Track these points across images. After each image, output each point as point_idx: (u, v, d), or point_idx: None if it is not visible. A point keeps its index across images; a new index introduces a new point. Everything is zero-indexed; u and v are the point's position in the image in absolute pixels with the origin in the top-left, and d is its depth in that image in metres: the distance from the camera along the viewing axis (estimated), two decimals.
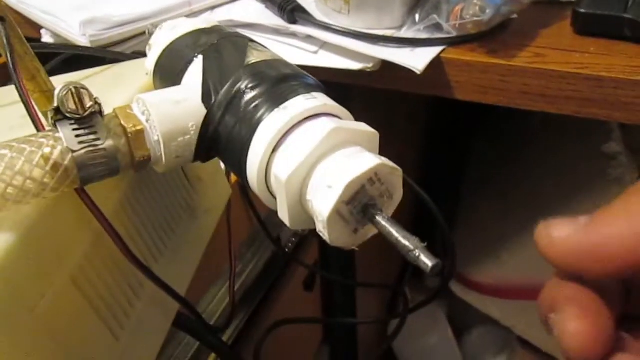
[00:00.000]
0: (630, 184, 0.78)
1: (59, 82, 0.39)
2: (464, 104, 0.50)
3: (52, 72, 0.43)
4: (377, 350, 0.94)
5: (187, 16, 0.55)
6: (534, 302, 0.21)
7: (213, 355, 0.46)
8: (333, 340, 0.75)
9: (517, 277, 0.86)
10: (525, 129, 0.88)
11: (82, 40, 0.51)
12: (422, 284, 1.02)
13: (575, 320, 0.19)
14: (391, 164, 0.22)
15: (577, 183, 0.79)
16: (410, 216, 0.88)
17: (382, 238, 0.21)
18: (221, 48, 0.27)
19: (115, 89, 0.34)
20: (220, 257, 0.43)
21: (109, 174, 0.24)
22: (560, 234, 0.19)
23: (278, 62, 0.26)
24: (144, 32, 0.53)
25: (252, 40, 0.29)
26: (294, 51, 0.51)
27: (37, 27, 0.58)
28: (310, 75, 0.26)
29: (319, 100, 0.23)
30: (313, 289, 0.70)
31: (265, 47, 0.28)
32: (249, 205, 0.49)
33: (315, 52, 0.50)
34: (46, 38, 0.58)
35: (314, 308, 0.73)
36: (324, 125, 0.22)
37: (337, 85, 0.52)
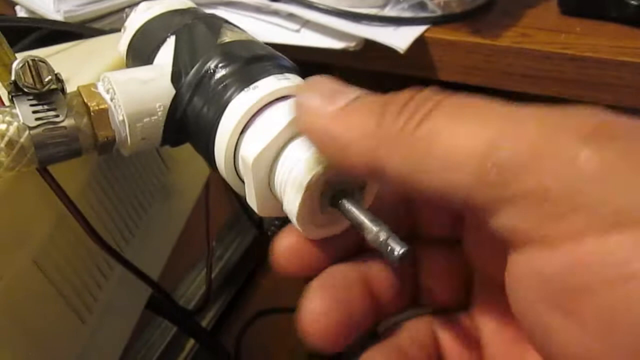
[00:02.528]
0: None
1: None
2: (451, 87, 0.49)
3: (28, 48, 0.42)
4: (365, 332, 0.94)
5: None
6: None
7: (192, 340, 0.45)
8: None
9: None
10: None
11: (57, 17, 0.49)
12: None
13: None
14: None
15: None
16: None
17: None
18: (194, 28, 0.26)
19: (86, 64, 0.33)
20: (201, 240, 0.42)
21: (70, 155, 0.23)
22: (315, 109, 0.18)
23: (252, 43, 0.25)
24: (121, 9, 0.52)
25: (227, 22, 0.27)
26: (276, 29, 0.50)
27: (12, 4, 0.56)
28: (286, 57, 0.25)
29: (291, 80, 0.22)
30: None
31: (241, 29, 0.27)
32: (230, 187, 0.48)
33: (297, 31, 0.49)
34: (21, 14, 0.57)
35: (300, 291, 0.73)
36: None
37: (319, 66, 0.51)
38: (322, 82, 0.19)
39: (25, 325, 0.25)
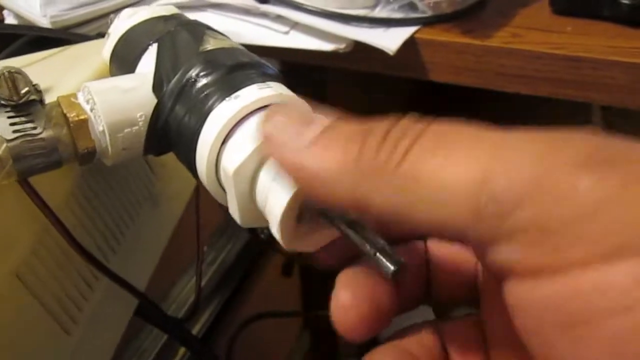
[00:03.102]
0: None
1: (14, 63, 0.37)
2: (444, 88, 0.48)
3: (16, 54, 0.41)
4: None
5: None
6: None
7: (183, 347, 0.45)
8: (313, 328, 0.75)
9: None
10: (506, 112, 0.87)
11: (43, 22, 0.49)
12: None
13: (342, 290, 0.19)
14: None
15: None
16: None
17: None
18: (177, 35, 0.26)
19: (71, 70, 0.33)
20: (193, 244, 0.42)
21: (50, 167, 0.22)
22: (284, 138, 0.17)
23: (236, 50, 0.25)
24: (108, 13, 0.52)
25: (210, 28, 0.27)
26: (265, 31, 0.49)
27: (0, 8, 0.56)
28: (270, 65, 0.24)
29: (273, 89, 0.22)
30: (292, 274, 0.69)
31: (225, 36, 0.27)
32: None
33: (286, 33, 0.49)
34: (9, 19, 0.56)
35: (294, 294, 0.72)
36: None
37: (309, 68, 0.51)
38: (290, 109, 0.18)
39: (7, 338, 0.24)
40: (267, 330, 0.59)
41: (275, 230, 0.19)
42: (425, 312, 0.24)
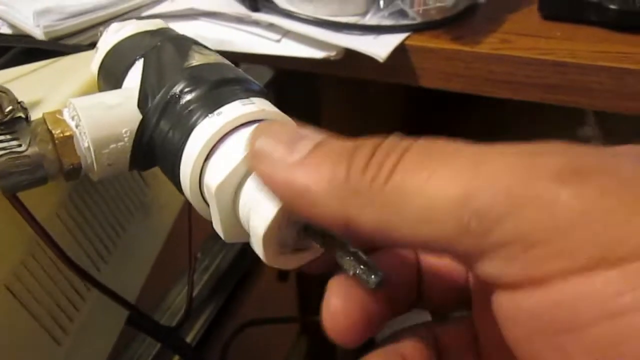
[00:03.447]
0: None
1: (4, 76, 0.37)
2: (438, 93, 0.49)
3: (9, 64, 0.42)
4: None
5: (146, 5, 0.54)
6: None
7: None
8: (310, 333, 0.75)
9: None
10: (500, 116, 0.87)
11: (37, 32, 0.49)
12: None
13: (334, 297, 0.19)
14: None
15: None
16: None
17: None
18: (162, 50, 0.26)
19: (61, 83, 0.33)
20: (186, 252, 0.42)
21: (35, 183, 0.23)
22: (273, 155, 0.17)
23: (220, 66, 0.25)
24: (102, 22, 0.52)
25: (196, 43, 0.27)
26: (257, 40, 0.50)
27: None
28: (255, 81, 0.25)
29: (256, 105, 0.22)
30: (288, 279, 0.69)
31: (211, 50, 0.27)
32: None
33: (278, 41, 0.49)
34: (3, 29, 0.57)
35: (290, 299, 0.73)
36: None
37: (301, 75, 0.51)
38: (278, 127, 0.18)
39: None
40: (263, 336, 0.59)
41: (257, 248, 0.19)
42: (422, 313, 0.24)
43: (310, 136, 0.17)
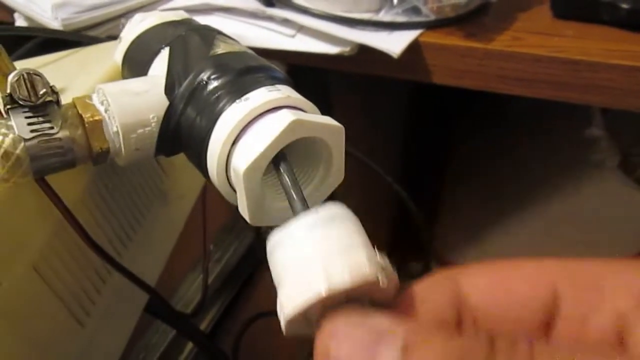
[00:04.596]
0: (610, 168, 0.78)
1: (29, 64, 0.38)
2: (447, 89, 0.49)
3: (28, 55, 0.42)
4: None
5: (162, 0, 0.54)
6: None
7: (191, 342, 0.46)
8: None
9: None
10: (508, 114, 0.88)
11: (55, 24, 0.50)
12: (407, 269, 1.02)
13: None
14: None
15: (559, 168, 0.79)
16: (394, 206, 0.88)
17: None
18: (188, 39, 0.27)
19: (83, 72, 0.34)
20: (200, 242, 0.43)
21: (65, 166, 0.23)
22: None
23: (245, 54, 0.26)
24: (119, 16, 0.53)
25: (220, 33, 0.28)
26: (271, 35, 0.50)
27: (11, 11, 0.57)
28: (278, 69, 0.25)
29: (282, 92, 0.23)
30: None
31: (235, 40, 0.28)
32: None
33: (293, 36, 0.50)
34: (19, 22, 0.57)
35: None
36: (284, 117, 0.21)
37: (316, 71, 0.52)
38: (347, 326, 0.15)
39: (24, 330, 0.25)
40: (273, 328, 0.60)
41: (281, 318, 0.18)
42: None
43: (388, 335, 0.14)
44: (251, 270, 0.57)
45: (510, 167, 0.88)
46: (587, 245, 0.78)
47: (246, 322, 0.47)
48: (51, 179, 0.25)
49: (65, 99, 0.25)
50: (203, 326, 0.48)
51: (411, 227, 0.59)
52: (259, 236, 0.56)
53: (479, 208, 0.92)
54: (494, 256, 0.89)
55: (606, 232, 0.77)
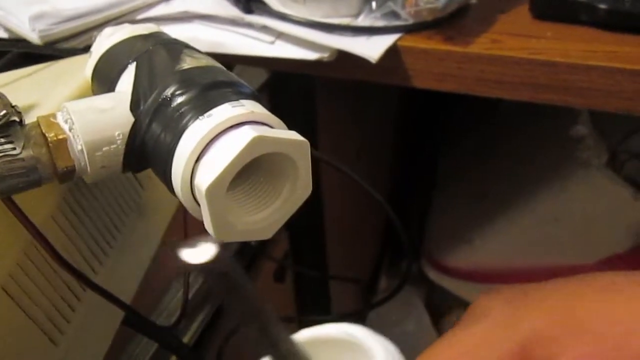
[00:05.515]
0: (597, 166, 0.77)
1: (2, 79, 0.38)
2: (434, 92, 0.49)
3: (8, 67, 0.42)
4: None
5: (141, 8, 0.54)
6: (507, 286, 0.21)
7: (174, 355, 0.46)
8: None
9: (491, 262, 0.86)
10: (495, 114, 0.88)
11: (33, 36, 0.49)
12: (399, 271, 1.02)
13: None
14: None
15: (547, 166, 0.79)
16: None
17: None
18: (154, 54, 0.26)
19: (57, 86, 0.34)
20: None
21: (30, 185, 0.23)
22: None
23: (212, 69, 0.26)
24: (98, 25, 0.52)
25: (188, 47, 0.28)
26: (251, 42, 0.50)
27: None
28: (246, 84, 0.25)
29: (246, 107, 0.23)
30: (284, 280, 0.69)
31: (202, 54, 0.28)
32: None
33: (272, 43, 0.50)
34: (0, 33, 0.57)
35: (286, 300, 0.73)
36: (246, 134, 0.21)
37: (301, 76, 0.52)
38: None
39: None
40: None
41: None
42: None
43: None
44: None
45: (498, 167, 0.88)
46: (575, 243, 0.78)
47: (230, 332, 0.46)
48: (21, 196, 0.25)
49: (38, 114, 0.25)
50: (187, 337, 0.48)
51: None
52: (245, 244, 0.56)
53: (468, 208, 0.92)
54: (483, 255, 0.89)
55: (594, 230, 0.77)
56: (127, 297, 0.34)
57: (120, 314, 0.34)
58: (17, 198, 0.25)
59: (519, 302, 0.19)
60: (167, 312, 0.47)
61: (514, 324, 0.18)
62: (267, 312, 0.14)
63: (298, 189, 0.23)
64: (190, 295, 0.46)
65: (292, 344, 0.16)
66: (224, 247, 0.11)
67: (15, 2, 0.53)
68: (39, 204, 0.27)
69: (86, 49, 0.46)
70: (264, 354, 0.15)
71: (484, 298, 0.20)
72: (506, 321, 0.19)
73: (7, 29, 0.55)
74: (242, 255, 0.57)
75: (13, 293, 0.26)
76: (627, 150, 0.79)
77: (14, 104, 0.23)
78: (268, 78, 0.60)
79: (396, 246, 1.03)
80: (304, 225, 0.69)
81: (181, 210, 0.41)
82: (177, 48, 0.27)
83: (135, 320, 0.35)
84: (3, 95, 0.22)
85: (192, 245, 0.12)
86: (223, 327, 0.50)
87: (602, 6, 0.45)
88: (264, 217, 0.23)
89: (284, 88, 0.62)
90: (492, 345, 0.18)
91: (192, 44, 0.30)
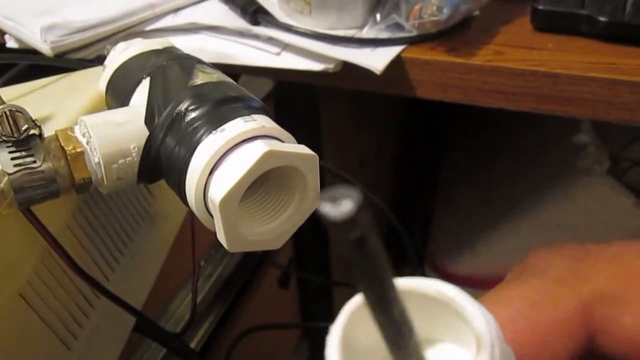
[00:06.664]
0: (599, 174, 0.78)
1: (17, 91, 0.39)
2: (434, 103, 0.50)
3: (19, 77, 0.43)
4: None
5: (150, 19, 0.55)
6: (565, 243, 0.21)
7: None
8: (311, 340, 0.76)
9: (493, 268, 0.87)
10: (498, 121, 0.89)
11: (44, 47, 0.50)
12: (402, 277, 1.03)
13: None
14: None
15: (549, 174, 0.80)
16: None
17: None
18: (168, 69, 0.27)
19: (70, 98, 0.35)
20: (190, 259, 0.43)
21: (49, 197, 0.24)
22: None
23: (223, 84, 0.26)
24: (108, 36, 0.54)
25: (200, 62, 0.29)
26: (257, 53, 0.51)
27: (2, 33, 0.58)
28: (256, 98, 0.26)
29: (257, 122, 0.24)
30: (288, 286, 0.70)
31: (214, 69, 0.28)
32: None
33: (278, 54, 0.51)
34: (10, 43, 0.58)
35: (291, 306, 0.74)
36: (258, 148, 0.22)
37: (305, 87, 0.53)
38: None
39: (11, 355, 0.26)
40: (265, 342, 0.61)
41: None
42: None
43: None
44: (242, 285, 0.58)
45: (501, 173, 0.89)
46: None
47: (236, 338, 0.47)
48: (38, 206, 0.26)
49: (52, 126, 0.26)
50: (194, 343, 0.48)
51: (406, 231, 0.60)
52: (249, 252, 0.57)
53: (471, 214, 0.93)
54: (486, 262, 0.89)
55: (596, 237, 0.77)
56: (138, 303, 0.35)
57: (131, 320, 0.34)
58: (35, 208, 0.26)
59: (582, 260, 0.19)
60: (174, 318, 0.48)
61: (578, 282, 0.18)
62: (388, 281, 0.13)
63: (307, 200, 0.24)
64: (197, 301, 0.47)
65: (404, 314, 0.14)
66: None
67: (26, 13, 0.55)
68: (55, 213, 0.28)
69: (96, 60, 0.48)
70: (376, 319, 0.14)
71: (540, 252, 0.20)
72: (569, 278, 0.19)
73: (18, 40, 0.56)
74: (247, 262, 0.58)
75: (30, 299, 0.27)
76: (629, 157, 0.80)
77: (33, 118, 0.24)
78: (272, 88, 0.61)
79: (399, 252, 1.04)
80: (308, 231, 0.69)
81: (188, 215, 0.42)
82: (189, 63, 0.28)
83: (145, 326, 0.36)
84: (24, 110, 0.23)
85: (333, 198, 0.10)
86: (232, 330, 0.51)
87: (602, 18, 0.46)
88: (274, 227, 0.24)
89: (288, 97, 0.63)
90: (555, 301, 0.18)
91: (199, 54, 0.31)
